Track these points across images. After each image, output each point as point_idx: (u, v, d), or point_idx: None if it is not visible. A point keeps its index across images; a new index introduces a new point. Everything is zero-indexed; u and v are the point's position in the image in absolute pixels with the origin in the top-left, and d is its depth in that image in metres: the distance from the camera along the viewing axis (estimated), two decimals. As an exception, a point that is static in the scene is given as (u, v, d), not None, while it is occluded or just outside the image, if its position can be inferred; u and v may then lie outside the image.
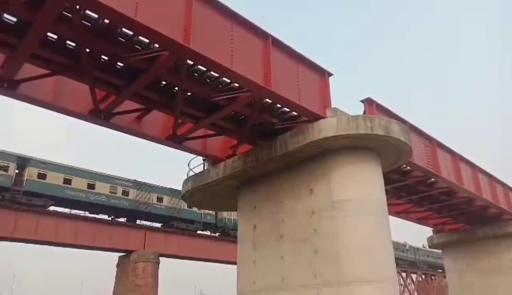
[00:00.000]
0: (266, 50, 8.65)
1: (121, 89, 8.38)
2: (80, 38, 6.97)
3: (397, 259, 47.87)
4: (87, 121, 9.31)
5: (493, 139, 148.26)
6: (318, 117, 9.40)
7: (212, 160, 11.74)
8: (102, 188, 27.90)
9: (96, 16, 6.87)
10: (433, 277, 50.40)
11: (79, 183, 26.89)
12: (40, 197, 24.93)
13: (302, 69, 9.54)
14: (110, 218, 28.47)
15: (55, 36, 7.29)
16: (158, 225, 30.98)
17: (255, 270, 10.26)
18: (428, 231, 22.57)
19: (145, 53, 7.48)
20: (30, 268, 69.22)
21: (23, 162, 25.23)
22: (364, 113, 10.76)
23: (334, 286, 8.53)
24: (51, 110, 8.72)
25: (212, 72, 8.34)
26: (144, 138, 10.19)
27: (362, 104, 10.95)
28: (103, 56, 7.75)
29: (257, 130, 10.34)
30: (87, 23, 6.99)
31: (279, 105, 9.57)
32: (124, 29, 7.18)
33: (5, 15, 6.77)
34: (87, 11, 6.78)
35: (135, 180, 30.02)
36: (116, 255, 29.35)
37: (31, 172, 25.12)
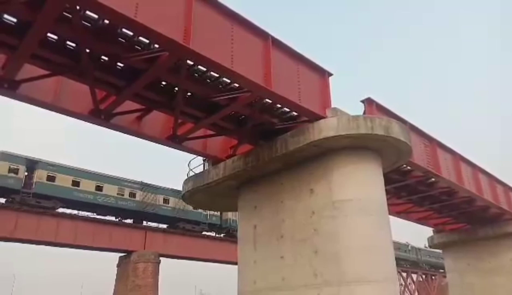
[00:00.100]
0: (266, 50, 8.65)
1: (121, 89, 8.38)
2: (80, 38, 6.97)
3: (399, 259, 48.18)
4: (87, 121, 9.31)
5: (493, 139, 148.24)
6: (318, 117, 9.40)
7: (212, 160, 11.74)
8: (109, 190, 28.29)
9: (96, 16, 6.87)
10: (433, 277, 50.38)
11: (87, 185, 27.22)
12: (49, 199, 25.22)
13: (302, 69, 9.54)
14: (117, 220, 28.82)
15: (55, 37, 7.29)
16: (158, 225, 31.01)
17: (256, 270, 10.25)
18: (428, 231, 22.57)
19: (145, 53, 7.48)
20: (30, 268, 69.27)
21: (32, 164, 25.51)
22: (364, 113, 10.76)
23: (334, 286, 8.53)
24: (52, 110, 8.73)
25: (212, 72, 8.34)
26: (144, 138, 10.19)
27: (362, 104, 10.95)
28: (103, 57, 7.75)
29: (257, 130, 10.34)
30: (87, 24, 6.99)
31: (279, 105, 9.57)
32: (124, 30, 7.18)
33: (5, 16, 6.77)
34: (87, 12, 6.78)
35: (141, 182, 30.35)
36: (116, 255, 29.37)
37: (40, 175, 25.42)
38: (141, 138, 10.16)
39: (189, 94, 9.05)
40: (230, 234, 32.78)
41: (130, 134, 10.04)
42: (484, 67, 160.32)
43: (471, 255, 20.42)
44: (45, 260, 70.96)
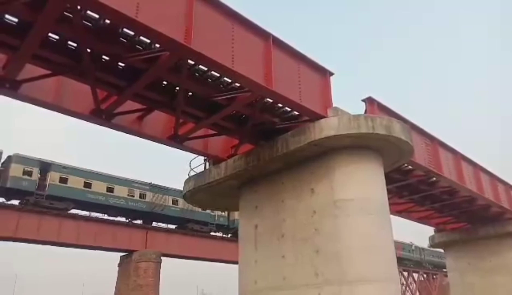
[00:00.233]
0: (267, 50, 8.65)
1: (122, 89, 8.39)
2: (81, 38, 6.98)
3: (403, 259, 48.10)
4: (88, 121, 9.33)
5: (493, 139, 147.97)
6: (319, 117, 9.39)
7: (213, 160, 11.75)
8: (120, 191, 28.72)
9: (97, 16, 6.89)
10: (434, 276, 50.38)
11: (98, 187, 27.64)
12: (62, 201, 25.56)
13: (303, 69, 9.54)
14: (127, 220, 29.24)
15: (56, 37, 7.30)
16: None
17: (257, 270, 10.26)
18: (430, 230, 22.56)
19: (146, 53, 7.49)
20: (32, 268, 69.38)
21: (45, 166, 25.84)
22: (366, 112, 10.76)
23: (335, 285, 8.53)
24: (53, 110, 8.75)
25: (213, 72, 8.34)
26: (146, 138, 10.21)
27: (362, 104, 10.95)
28: (104, 56, 7.76)
29: (258, 130, 10.34)
30: (88, 24, 7.00)
31: (280, 105, 9.57)
32: (125, 29, 7.19)
33: (7, 16, 6.79)
34: (88, 11, 6.79)
35: (151, 183, 30.73)
36: (118, 255, 29.42)
37: (53, 177, 25.79)
38: (142, 138, 10.17)
39: (190, 94, 9.06)
40: (237, 234, 32.77)
41: (132, 134, 10.05)
42: (484, 67, 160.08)
43: (471, 255, 20.41)
44: (47, 260, 71.12)
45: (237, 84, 8.51)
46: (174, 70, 7.97)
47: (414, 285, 47.92)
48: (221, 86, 8.79)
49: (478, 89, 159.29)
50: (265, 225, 10.46)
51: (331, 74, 10.10)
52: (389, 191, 10.72)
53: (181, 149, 10.74)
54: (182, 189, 12.82)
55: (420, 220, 19.59)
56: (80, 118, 9.13)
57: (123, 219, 29.33)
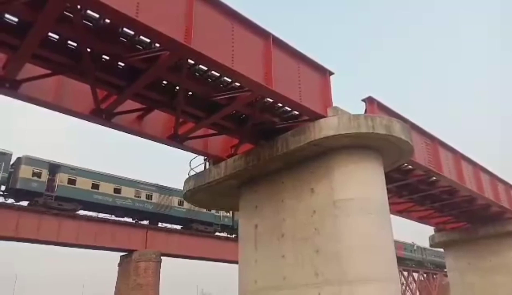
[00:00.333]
0: (267, 49, 8.65)
1: (122, 89, 8.39)
2: (81, 38, 6.98)
3: (405, 259, 48.14)
4: (88, 120, 9.33)
5: (493, 139, 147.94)
6: (319, 116, 9.40)
7: (213, 159, 11.75)
8: (127, 192, 28.97)
9: (97, 16, 6.89)
10: (434, 276, 50.41)
11: (106, 188, 27.92)
12: (70, 202, 25.81)
13: (303, 68, 9.54)
14: (134, 221, 29.49)
15: (56, 36, 7.30)
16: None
17: (257, 270, 10.27)
18: (430, 230, 22.57)
19: (146, 53, 7.49)
20: (32, 268, 69.37)
21: (54, 168, 26.09)
22: (365, 112, 10.76)
23: (335, 285, 8.53)
24: (53, 110, 8.75)
25: (213, 72, 8.35)
26: (146, 138, 10.21)
27: (363, 104, 10.95)
28: (104, 56, 7.76)
29: (258, 130, 10.34)
30: (88, 23, 7.01)
31: (280, 104, 9.57)
32: (125, 29, 7.19)
33: (7, 16, 6.79)
34: (88, 11, 6.79)
35: (157, 184, 30.99)
36: (118, 255, 29.43)
37: (62, 178, 26.06)
38: (142, 137, 10.18)
39: (190, 93, 9.06)
40: None
41: (132, 134, 10.06)
42: (484, 67, 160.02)
43: (471, 254, 20.41)
44: (47, 260, 71.13)
45: (237, 84, 8.51)
46: (174, 70, 7.97)
47: (414, 284, 47.95)
48: (221, 85, 8.79)
49: (478, 89, 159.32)
50: (265, 225, 10.46)
51: (331, 73, 10.10)
52: (389, 191, 10.72)
53: (181, 148, 10.74)
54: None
55: (420, 219, 19.60)
56: (80, 118, 9.13)
57: (123, 219, 29.33)
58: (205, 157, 12.10)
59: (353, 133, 9.05)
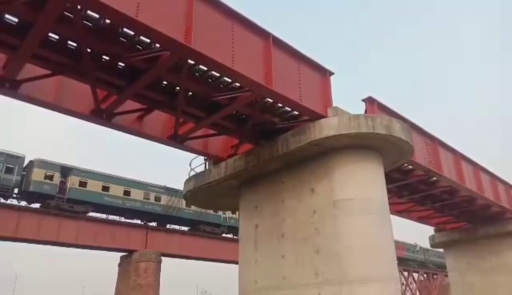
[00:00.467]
0: (267, 49, 8.65)
1: (122, 89, 8.39)
2: (81, 38, 6.97)
3: (408, 260, 48.22)
4: (88, 121, 9.32)
5: (493, 139, 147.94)
6: (319, 116, 9.39)
7: (213, 159, 11.75)
8: (136, 194, 29.50)
9: (97, 16, 6.88)
10: (435, 276, 50.43)
11: (116, 190, 28.44)
12: (81, 204, 26.22)
13: (303, 68, 9.53)
14: (143, 222, 29.87)
15: (56, 36, 7.30)
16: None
17: (257, 270, 10.27)
18: (430, 230, 22.56)
19: (146, 53, 7.49)
20: (32, 268, 69.38)
21: (66, 171, 26.57)
22: (366, 112, 10.76)
23: (335, 285, 8.53)
24: (53, 110, 8.75)
25: (213, 72, 8.34)
26: (146, 138, 10.20)
27: (363, 104, 10.94)
28: (104, 56, 7.76)
29: (258, 130, 10.34)
30: (88, 23, 7.00)
31: (280, 104, 9.57)
32: (125, 29, 7.19)
33: (7, 16, 6.78)
34: (88, 11, 6.79)
35: (165, 186, 31.35)
36: (118, 255, 29.43)
37: (73, 181, 26.56)
38: (142, 137, 10.17)
39: (190, 93, 9.06)
40: None
41: (132, 134, 10.05)
42: (484, 67, 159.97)
43: (471, 254, 20.41)
44: (47, 260, 71.10)
45: (237, 84, 8.51)
46: (174, 70, 7.97)
47: (414, 284, 47.95)
48: (221, 86, 8.79)
49: (478, 89, 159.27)
50: (265, 225, 10.46)
51: (331, 73, 10.10)
52: (389, 191, 10.72)
53: (181, 149, 10.74)
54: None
55: (420, 219, 19.59)
56: (80, 118, 9.12)
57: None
58: (205, 157, 12.10)
59: (354, 133, 9.05)
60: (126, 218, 28.97)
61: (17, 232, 23.09)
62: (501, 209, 18.25)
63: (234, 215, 33.33)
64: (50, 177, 25.47)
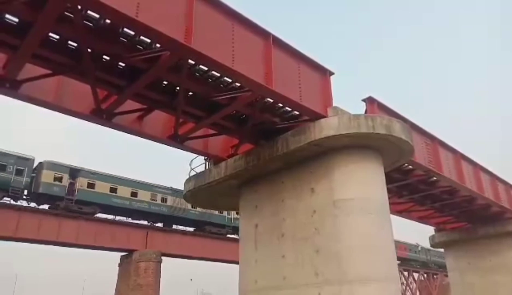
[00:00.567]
0: (267, 49, 8.65)
1: (122, 89, 8.39)
2: (82, 38, 6.98)
3: (410, 260, 48.24)
4: (89, 121, 9.33)
5: (493, 139, 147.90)
6: (319, 116, 9.39)
7: (213, 159, 11.75)
8: (144, 195, 29.83)
9: (97, 16, 6.89)
10: (435, 276, 50.44)
11: (123, 192, 28.74)
12: (89, 205, 26.50)
13: (304, 68, 9.53)
14: (149, 223, 30.12)
15: (57, 36, 7.30)
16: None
17: (257, 269, 10.27)
18: (430, 229, 22.56)
19: (146, 53, 7.49)
20: (32, 268, 69.45)
21: (74, 172, 26.84)
22: (366, 112, 10.76)
23: (335, 285, 8.53)
24: (53, 110, 8.75)
25: (213, 72, 8.34)
26: (146, 138, 10.21)
27: (363, 104, 10.94)
28: (104, 56, 7.76)
29: (258, 130, 10.34)
30: (89, 23, 7.01)
31: (280, 104, 9.57)
32: (125, 29, 7.19)
33: (7, 15, 6.79)
34: (89, 11, 6.79)
35: (171, 187, 31.53)
36: (118, 255, 29.42)
37: (82, 182, 26.86)
38: (142, 137, 10.17)
39: (190, 93, 9.06)
40: None
41: (132, 134, 10.05)
42: (484, 67, 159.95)
43: (472, 254, 20.41)
44: (47, 260, 71.15)
45: (237, 84, 8.51)
46: (174, 70, 7.97)
47: (414, 284, 47.94)
48: (221, 85, 8.79)
49: (478, 89, 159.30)
50: (265, 224, 10.46)
51: (331, 73, 10.10)
52: (389, 191, 10.71)
53: (181, 148, 10.74)
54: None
55: (420, 219, 19.60)
56: (80, 118, 9.13)
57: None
58: (205, 157, 12.10)
59: (354, 133, 9.05)
60: (133, 219, 29.30)
61: (17, 232, 23.10)
62: (501, 209, 18.25)
63: (239, 216, 33.44)
64: (59, 179, 25.79)
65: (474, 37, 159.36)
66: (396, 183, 13.72)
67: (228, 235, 33.42)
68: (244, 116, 10.07)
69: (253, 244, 10.61)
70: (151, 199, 30.09)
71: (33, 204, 25.19)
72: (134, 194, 29.25)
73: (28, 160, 25.15)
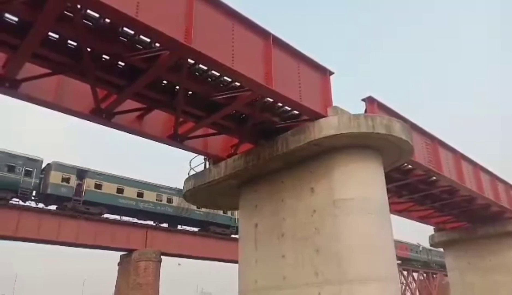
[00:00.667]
0: (267, 49, 8.65)
1: (122, 89, 8.39)
2: (81, 37, 6.97)
3: (411, 260, 48.28)
4: (88, 120, 9.32)
5: (493, 139, 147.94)
6: (319, 116, 9.39)
7: (213, 159, 11.75)
8: (149, 196, 30.14)
9: (97, 15, 6.88)
10: (434, 276, 50.48)
11: (130, 192, 29.02)
12: (96, 206, 26.73)
13: (303, 68, 9.53)
14: (155, 224, 30.33)
15: (57, 36, 7.30)
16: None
17: (257, 269, 10.27)
18: (430, 229, 22.56)
19: (146, 53, 7.49)
20: (32, 268, 69.45)
21: (82, 173, 27.10)
22: (366, 111, 10.75)
23: (335, 284, 8.53)
24: (53, 109, 8.75)
25: (213, 71, 8.34)
26: (146, 137, 10.20)
27: (363, 104, 10.94)
28: (104, 56, 7.76)
29: (258, 129, 10.34)
30: (89, 23, 7.00)
31: (280, 104, 9.57)
32: (125, 29, 7.19)
33: (7, 15, 6.78)
34: (88, 11, 6.79)
35: (176, 188, 31.62)
36: (118, 254, 29.44)
37: (89, 183, 27.14)
38: (142, 137, 10.17)
39: (190, 93, 9.05)
40: None
41: (132, 133, 10.05)
42: (484, 67, 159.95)
43: (471, 254, 20.42)
44: (47, 260, 71.16)
45: (237, 83, 8.51)
46: (174, 70, 7.97)
47: (414, 284, 47.97)
48: (221, 85, 8.79)
49: (478, 89, 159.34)
50: (265, 224, 10.46)
51: (331, 73, 10.10)
52: (389, 191, 10.72)
53: (181, 148, 10.74)
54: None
55: (420, 219, 19.60)
56: (80, 118, 9.12)
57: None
58: (205, 157, 12.10)
59: (353, 132, 9.04)
60: (139, 219, 29.54)
61: (17, 231, 23.12)
62: (500, 208, 18.26)
63: None
64: (67, 180, 26.04)
65: (474, 37, 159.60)
66: (396, 182, 13.72)
67: (232, 235, 33.45)
68: (244, 115, 10.06)
69: (253, 244, 10.62)
70: (156, 200, 30.38)
71: (41, 205, 25.41)
72: (140, 195, 29.52)
73: (36, 161, 25.40)
